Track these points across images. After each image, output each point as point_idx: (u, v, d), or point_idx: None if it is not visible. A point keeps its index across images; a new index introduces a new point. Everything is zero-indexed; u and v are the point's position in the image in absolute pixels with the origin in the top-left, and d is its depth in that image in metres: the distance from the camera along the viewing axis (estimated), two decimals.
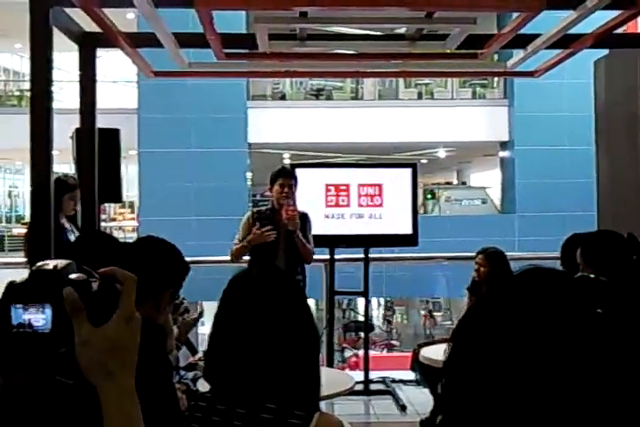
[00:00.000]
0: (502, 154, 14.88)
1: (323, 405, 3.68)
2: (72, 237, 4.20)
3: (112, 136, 4.60)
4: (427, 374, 3.82)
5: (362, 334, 15.47)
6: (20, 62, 19.56)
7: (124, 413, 0.78)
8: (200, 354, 3.12)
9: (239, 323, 1.39)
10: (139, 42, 3.66)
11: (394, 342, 17.47)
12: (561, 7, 3.16)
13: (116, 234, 18.32)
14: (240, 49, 3.75)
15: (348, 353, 14.93)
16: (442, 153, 17.27)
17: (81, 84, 3.80)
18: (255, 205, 15.19)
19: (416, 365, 4.15)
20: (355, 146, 15.03)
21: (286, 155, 16.63)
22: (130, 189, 14.03)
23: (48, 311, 0.77)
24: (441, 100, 14.37)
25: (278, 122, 13.93)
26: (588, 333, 0.64)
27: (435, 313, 20.01)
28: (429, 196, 17.18)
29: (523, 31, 3.51)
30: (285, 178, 4.28)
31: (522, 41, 3.77)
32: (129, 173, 13.55)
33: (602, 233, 3.06)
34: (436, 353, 3.27)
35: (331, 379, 2.56)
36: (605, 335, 0.64)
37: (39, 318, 0.77)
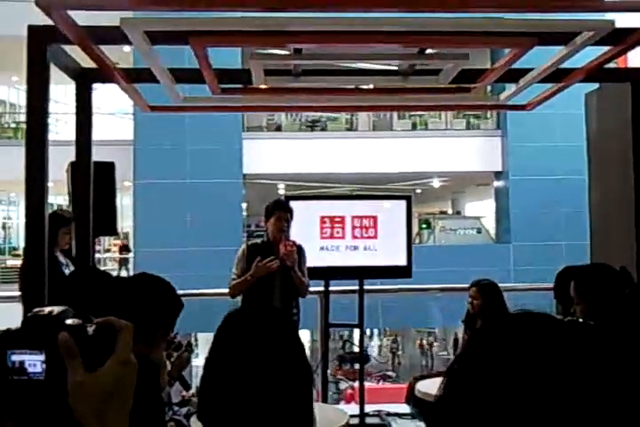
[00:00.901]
0: (496, 184, 14.97)
1: None
2: (67, 271, 4.20)
3: (107, 169, 4.61)
4: (422, 408, 3.79)
5: (357, 366, 15.35)
6: (17, 95, 19.72)
7: None
8: (193, 390, 3.09)
9: (232, 362, 1.38)
10: (135, 77, 3.70)
11: (389, 373, 17.32)
12: (552, 43, 3.21)
13: (110, 265, 18.27)
14: (235, 84, 3.79)
15: (343, 385, 14.78)
16: (436, 183, 17.37)
17: (77, 119, 3.83)
18: (250, 235, 15.20)
19: (411, 398, 4.11)
20: (350, 176, 15.11)
21: (281, 185, 16.70)
22: (124, 221, 14.04)
23: (43, 358, 0.77)
24: (435, 130, 14.52)
25: (273, 153, 14.02)
26: (580, 376, 0.64)
27: (432, 343, 19.89)
28: (424, 225, 17.21)
29: (515, 65, 3.57)
30: (282, 211, 4.27)
31: (514, 75, 3.82)
32: (123, 204, 13.55)
33: (594, 267, 3.06)
34: (431, 387, 3.24)
35: (325, 415, 2.53)
36: (596, 379, 0.65)
37: (34, 364, 0.77)
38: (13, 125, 17.05)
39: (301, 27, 2.77)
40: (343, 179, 15.75)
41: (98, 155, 4.16)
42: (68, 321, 0.80)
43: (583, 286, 2.54)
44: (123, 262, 17.20)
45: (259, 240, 4.45)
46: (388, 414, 5.12)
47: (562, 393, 0.64)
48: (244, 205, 14.96)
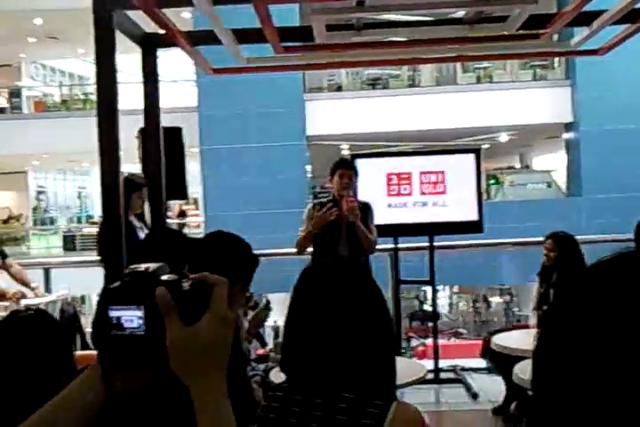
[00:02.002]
0: (567, 136, 14.49)
1: None
2: (141, 235, 4.31)
3: (175, 134, 4.69)
4: (499, 362, 3.77)
5: (428, 324, 15.38)
6: (84, 66, 20.15)
7: (217, 412, 0.78)
8: (270, 346, 3.17)
9: (314, 314, 1.40)
10: (198, 40, 3.72)
11: (461, 330, 17.31)
12: None
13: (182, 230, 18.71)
14: (296, 42, 3.76)
15: (414, 342, 14.85)
16: (503, 137, 16.93)
17: (144, 85, 3.89)
18: (315, 196, 15.26)
19: (487, 352, 4.10)
20: (414, 134, 14.89)
21: (345, 146, 16.62)
22: (192, 186, 14.30)
23: (142, 313, 0.78)
24: (501, 83, 14.08)
25: (335, 113, 13.93)
26: None
27: (503, 298, 19.72)
28: (492, 181, 16.88)
29: (586, 8, 3.41)
30: (345, 169, 4.27)
31: (586, 18, 3.65)
32: (191, 170, 13.80)
33: None
34: (507, 340, 3.23)
35: (402, 368, 2.55)
36: None
37: (134, 319, 0.78)
38: (82, 97, 17.45)
39: None
40: (407, 137, 15.54)
41: (164, 122, 4.22)
42: (164, 277, 0.81)
43: None
44: (181, 228, 17.56)
45: (324, 199, 4.46)
46: (463, 369, 5.13)
47: None
48: (309, 167, 15.00)
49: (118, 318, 0.79)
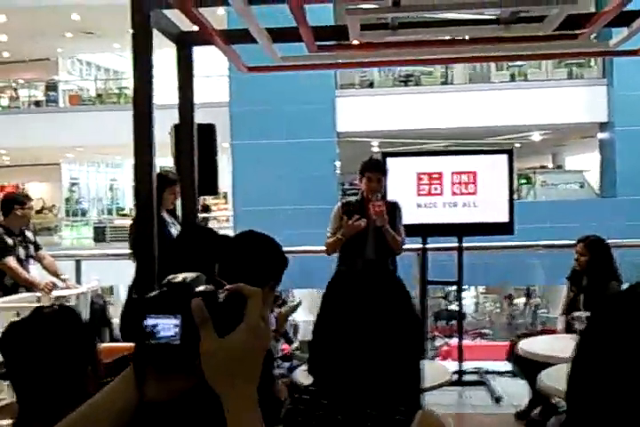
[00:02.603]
0: (601, 135, 14.27)
1: None
2: (173, 230, 4.36)
3: (208, 131, 4.72)
4: (524, 367, 3.74)
5: (453, 323, 15.27)
6: (120, 61, 20.38)
7: (248, 422, 0.79)
8: (296, 344, 3.18)
9: (343, 318, 1.40)
10: (233, 38, 3.74)
11: (485, 330, 17.18)
12: None
13: (210, 224, 18.88)
14: (331, 41, 3.76)
15: (439, 341, 14.77)
16: (536, 136, 16.74)
17: (179, 82, 3.92)
18: (344, 193, 15.26)
19: (513, 356, 4.06)
20: (445, 131, 14.79)
21: (375, 142, 16.58)
22: (222, 181, 14.40)
23: (178, 323, 0.79)
24: (535, 81, 13.91)
25: (367, 110, 13.89)
26: None
27: (531, 300, 19.52)
28: (524, 180, 16.70)
29: (626, 8, 3.36)
30: (374, 171, 4.25)
31: (625, 19, 3.59)
32: (222, 165, 13.90)
33: None
34: (534, 346, 3.20)
35: (427, 371, 2.55)
36: None
37: (168, 328, 0.79)
38: (117, 91, 17.65)
39: None
40: (438, 134, 15.43)
41: (196, 116, 4.25)
42: (201, 288, 0.82)
43: None
44: (204, 222, 17.67)
45: (353, 199, 4.46)
46: (487, 371, 5.09)
47: None
48: (338, 164, 14.99)
49: (154, 327, 0.80)
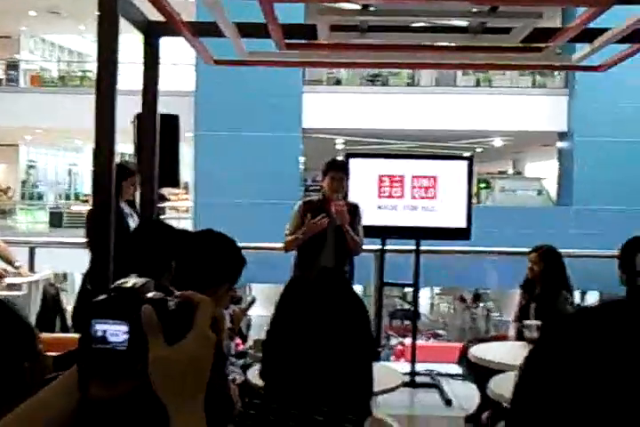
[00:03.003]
0: (560, 144, 14.56)
1: None
2: (131, 222, 4.31)
3: (172, 122, 4.67)
4: (475, 372, 3.80)
5: (407, 323, 15.42)
6: (84, 43, 19.98)
7: None
8: (250, 342, 3.18)
9: (296, 325, 1.41)
10: (201, 31, 3.70)
11: (440, 331, 17.39)
12: (632, 2, 3.06)
13: (169, 214, 18.69)
14: (300, 39, 3.75)
15: (393, 341, 14.92)
16: (498, 142, 17.00)
17: (144, 72, 3.87)
18: (306, 190, 15.27)
19: (464, 361, 4.13)
20: (409, 133, 14.91)
21: (340, 140, 16.62)
22: (184, 171, 14.27)
23: (126, 329, 0.79)
24: (499, 87, 14.11)
25: (333, 107, 13.91)
26: None
27: (481, 304, 19.84)
28: (483, 185, 16.95)
29: (590, 25, 3.42)
30: (336, 171, 4.28)
31: (589, 35, 3.67)
32: (184, 154, 13.77)
33: None
34: (485, 352, 3.25)
35: (379, 374, 2.57)
36: None
37: (118, 335, 0.79)
38: (80, 74, 17.30)
39: None
40: (403, 135, 15.55)
41: (160, 105, 4.21)
42: (150, 294, 0.82)
43: None
44: (159, 213, 17.47)
45: (315, 197, 4.47)
46: (439, 374, 5.15)
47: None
48: (302, 159, 14.99)
49: (104, 332, 0.80)
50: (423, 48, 3.75)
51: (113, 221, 3.48)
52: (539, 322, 3.43)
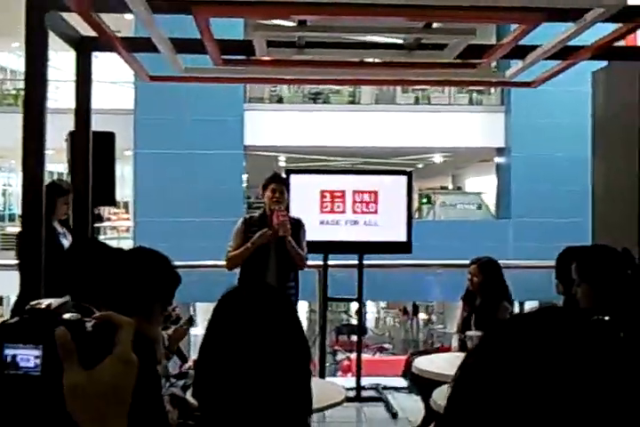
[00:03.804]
0: (498, 160, 14.91)
1: (314, 414, 3.67)
2: (64, 241, 4.19)
3: (107, 139, 4.57)
4: (419, 384, 3.80)
5: (354, 338, 15.46)
6: (18, 61, 19.50)
7: None
8: (190, 363, 3.10)
9: (229, 341, 1.36)
10: (135, 46, 3.64)
11: (386, 345, 17.47)
12: (560, 20, 3.15)
13: (109, 234, 18.30)
14: (238, 55, 3.73)
15: (340, 356, 14.90)
16: (438, 158, 17.30)
17: (77, 88, 3.78)
18: (250, 206, 15.19)
19: (408, 374, 4.13)
20: (351, 150, 15.03)
21: (282, 157, 16.63)
22: (124, 190, 14.02)
23: (38, 353, 0.74)
24: (438, 105, 14.39)
25: (275, 125, 13.93)
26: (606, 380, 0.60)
27: (421, 316, 20.06)
28: (425, 200, 17.21)
29: (522, 42, 3.51)
30: (276, 184, 4.28)
31: (521, 52, 3.76)
32: (124, 173, 13.53)
33: (596, 248, 3.05)
34: (428, 364, 3.26)
35: (322, 391, 2.55)
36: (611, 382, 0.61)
37: (28, 359, 0.74)
38: (14, 92, 16.88)
39: None
40: (345, 152, 15.68)
41: (98, 123, 4.12)
42: (66, 315, 0.77)
43: (585, 267, 2.52)
44: (94, 232, 17.14)
45: (256, 213, 4.44)
46: (385, 387, 5.15)
47: (577, 402, 0.60)
48: (245, 177, 14.93)
49: (13, 356, 0.75)
50: (360, 64, 3.78)
51: (43, 241, 3.36)
52: (480, 333, 3.46)
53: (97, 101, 4.06)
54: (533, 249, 12.87)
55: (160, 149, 13.23)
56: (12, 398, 0.75)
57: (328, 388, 2.62)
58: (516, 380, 0.63)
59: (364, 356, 11.23)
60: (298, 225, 4.36)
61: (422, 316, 20.30)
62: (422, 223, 13.62)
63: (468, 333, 3.50)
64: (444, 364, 3.24)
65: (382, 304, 20.79)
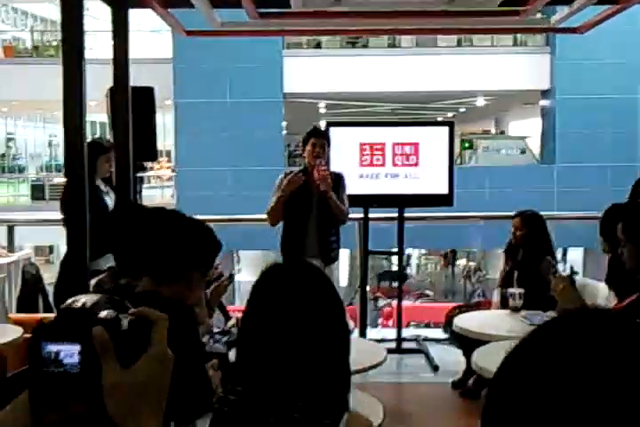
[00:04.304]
0: (543, 103, 14.49)
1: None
2: (108, 199, 4.25)
3: (146, 94, 4.56)
4: (460, 340, 3.81)
5: (395, 284, 15.60)
6: (58, 12, 19.43)
7: None
8: (233, 320, 3.16)
9: (270, 318, 1.38)
10: (171, 2, 3.59)
11: (427, 291, 17.57)
12: None
13: (153, 182, 18.54)
14: (273, 8, 3.64)
15: (381, 302, 15.05)
16: (480, 101, 16.89)
17: (114, 45, 3.76)
18: (290, 155, 15.16)
19: (449, 331, 4.14)
20: (392, 95, 14.76)
21: (322, 104, 16.44)
22: (166, 139, 14.11)
23: (77, 351, 0.76)
24: (481, 47, 13.95)
25: (314, 71, 13.72)
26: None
27: (471, 263, 20.04)
28: (467, 145, 16.90)
29: None
30: (317, 138, 4.22)
31: None
32: (165, 122, 13.58)
33: None
34: (468, 322, 3.26)
35: (362, 350, 2.58)
36: None
37: (69, 357, 0.76)
38: (55, 43, 16.91)
39: None
40: (385, 97, 15.41)
41: (141, 73, 4.09)
42: (103, 313, 0.78)
43: (632, 228, 2.46)
44: (137, 182, 17.36)
45: (296, 169, 4.41)
46: (426, 339, 5.20)
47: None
48: (285, 124, 14.85)
49: (56, 354, 0.77)
50: (400, 14, 3.66)
51: (87, 200, 3.40)
52: (522, 290, 3.44)
53: (137, 51, 4.02)
54: (579, 195, 12.63)
55: (200, 98, 13.20)
56: (52, 396, 0.77)
57: (368, 349, 2.65)
58: (558, 384, 0.62)
59: (406, 303, 11.32)
60: (338, 180, 4.33)
61: (463, 262, 20.30)
62: (464, 169, 13.45)
63: (510, 290, 3.47)
64: (485, 322, 3.24)
65: (423, 250, 20.80)
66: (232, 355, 2.68)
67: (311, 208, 4.24)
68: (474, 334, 3.04)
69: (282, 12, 3.66)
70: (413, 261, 20.86)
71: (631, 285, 2.56)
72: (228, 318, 3.28)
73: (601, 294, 3.49)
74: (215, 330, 3.15)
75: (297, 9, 3.48)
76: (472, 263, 19.86)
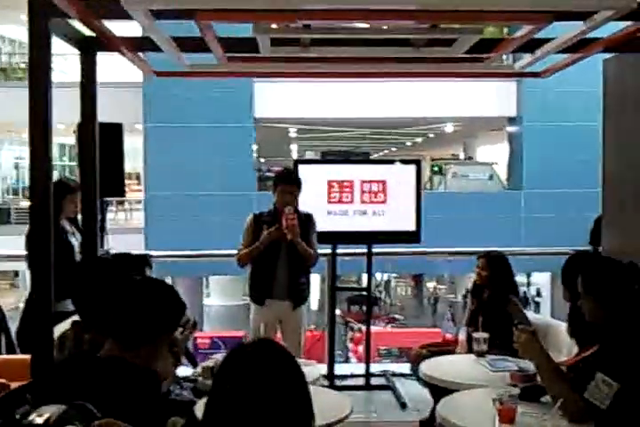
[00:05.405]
0: (510, 129, 14.76)
1: None
2: (73, 240, 4.23)
3: (115, 130, 4.57)
4: (427, 385, 3.79)
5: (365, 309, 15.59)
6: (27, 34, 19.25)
7: None
8: (199, 369, 3.14)
9: (234, 400, 1.38)
10: (139, 46, 3.60)
11: (397, 315, 17.61)
12: (569, 19, 3.07)
13: (121, 206, 18.37)
14: (242, 53, 3.68)
15: (349, 333, 14.95)
16: (449, 127, 17.14)
17: (82, 88, 3.75)
18: (260, 178, 15.18)
19: (416, 371, 4.14)
20: (361, 120, 14.92)
21: (293, 129, 16.53)
22: (136, 162, 14.03)
23: None
24: None
25: (284, 96, 13.81)
26: None
27: (440, 286, 20.17)
28: (436, 169, 17.12)
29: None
30: (286, 185, 4.24)
31: (530, 45, 3.68)
32: (135, 145, 13.51)
33: (602, 260, 3.03)
34: (435, 370, 3.28)
35: (328, 403, 2.59)
36: None
37: None
38: (23, 66, 16.77)
39: (312, 5, 2.67)
40: (355, 122, 15.55)
41: (110, 97, 4.00)
42: None
43: (590, 281, 2.51)
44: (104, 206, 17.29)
45: (265, 211, 4.42)
46: (394, 374, 5.21)
47: None
48: (255, 148, 14.89)
49: None
50: (367, 60, 3.72)
51: (52, 238, 3.36)
52: (486, 335, 3.47)
53: (108, 74, 3.98)
54: (545, 220, 12.84)
55: (170, 122, 13.21)
56: None
57: (333, 401, 2.65)
58: None
59: (375, 328, 11.33)
60: (307, 221, 4.35)
61: (433, 284, 20.41)
62: (433, 195, 13.59)
63: (475, 334, 3.50)
64: (451, 369, 3.27)
65: (394, 274, 20.89)
66: (196, 410, 2.66)
67: (280, 253, 4.27)
68: (439, 381, 3.07)
69: (250, 57, 3.69)
70: (384, 284, 20.91)
71: (591, 335, 2.62)
72: (195, 364, 3.26)
73: (563, 335, 3.54)
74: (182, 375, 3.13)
75: (266, 55, 3.52)
76: (442, 286, 19.99)
